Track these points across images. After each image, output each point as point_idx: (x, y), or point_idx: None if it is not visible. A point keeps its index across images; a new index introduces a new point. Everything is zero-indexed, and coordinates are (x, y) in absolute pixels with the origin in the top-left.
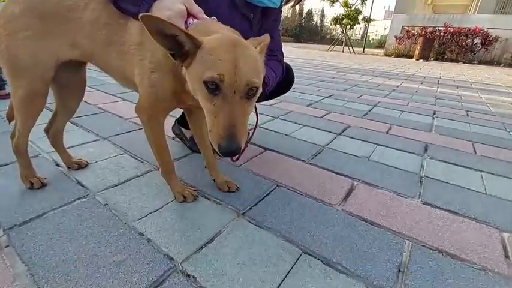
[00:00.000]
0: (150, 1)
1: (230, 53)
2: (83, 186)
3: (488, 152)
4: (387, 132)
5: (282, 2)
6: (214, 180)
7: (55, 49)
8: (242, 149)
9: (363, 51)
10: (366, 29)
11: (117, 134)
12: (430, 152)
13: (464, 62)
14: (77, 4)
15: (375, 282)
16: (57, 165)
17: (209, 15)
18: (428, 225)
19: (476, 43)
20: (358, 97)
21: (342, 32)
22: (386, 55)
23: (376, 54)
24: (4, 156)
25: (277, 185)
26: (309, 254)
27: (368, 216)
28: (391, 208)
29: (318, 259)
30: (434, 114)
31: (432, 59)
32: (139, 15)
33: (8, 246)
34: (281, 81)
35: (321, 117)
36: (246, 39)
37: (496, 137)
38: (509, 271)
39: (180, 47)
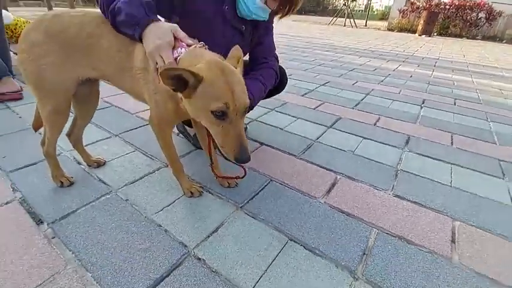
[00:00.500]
0: (142, 26)
1: (226, 83)
2: (105, 183)
3: (463, 144)
4: (374, 124)
5: (270, 14)
6: (216, 176)
7: (75, 71)
8: None
9: (365, 25)
10: None
11: (127, 131)
12: (411, 145)
13: (468, 37)
14: (93, 33)
15: (343, 263)
16: (78, 163)
17: (204, 31)
18: (394, 215)
19: (480, 17)
20: (353, 84)
21: (345, 4)
22: (389, 29)
23: (379, 29)
24: (29, 155)
25: (271, 180)
26: (294, 241)
27: (345, 208)
28: (365, 200)
29: (301, 245)
30: (423, 103)
31: (435, 33)
32: (159, 72)
33: (54, 237)
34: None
35: (314, 109)
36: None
37: (476, 127)
38: (452, 254)
39: (183, 82)
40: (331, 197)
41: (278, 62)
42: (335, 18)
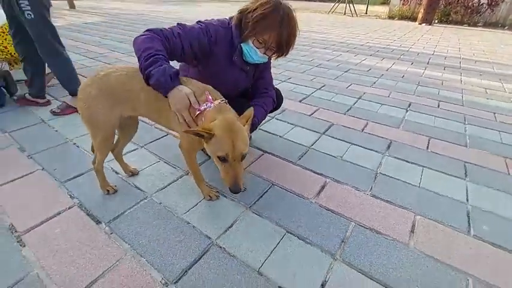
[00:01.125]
0: (168, 90)
1: (230, 138)
2: (140, 190)
3: (437, 148)
4: (362, 130)
5: (269, 57)
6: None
7: (119, 112)
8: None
9: (366, 12)
10: None
11: (150, 142)
12: (391, 150)
13: (469, 24)
14: (133, 88)
15: (326, 248)
16: (116, 172)
17: (219, 74)
18: (369, 211)
19: (482, 3)
20: (347, 87)
21: None
22: (389, 17)
23: (379, 16)
24: (75, 167)
25: (272, 184)
26: (290, 233)
27: (331, 206)
28: (347, 200)
29: (295, 236)
30: (409, 106)
31: (436, 21)
32: (185, 130)
33: (112, 233)
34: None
35: (310, 115)
36: (242, 86)
37: (452, 131)
38: (409, 241)
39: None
40: (321, 197)
41: (274, 90)
42: (336, 5)
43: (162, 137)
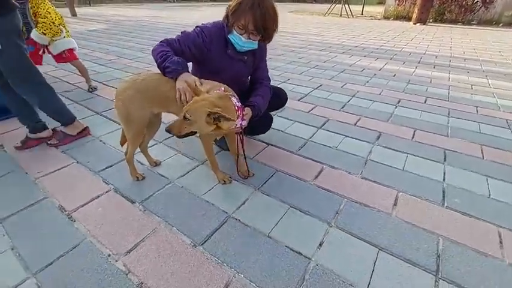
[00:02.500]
0: (178, 74)
1: (194, 101)
2: (164, 177)
3: (421, 138)
4: (355, 124)
5: (259, 42)
6: (238, 170)
7: (151, 109)
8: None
9: (362, 13)
10: None
11: (167, 138)
12: (380, 140)
13: (463, 23)
14: (164, 89)
15: (323, 218)
16: (142, 163)
17: (220, 68)
18: (359, 190)
19: (476, 1)
20: (342, 86)
21: None
22: (385, 17)
23: (375, 17)
24: (105, 159)
25: (276, 171)
26: (293, 208)
27: (327, 187)
28: (341, 181)
29: (297, 209)
30: (398, 102)
31: (431, 20)
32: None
33: (145, 210)
34: (275, 103)
35: (308, 112)
36: (244, 75)
37: (436, 123)
38: (392, 211)
39: None
40: (318, 180)
41: (270, 80)
42: (332, 7)
43: None
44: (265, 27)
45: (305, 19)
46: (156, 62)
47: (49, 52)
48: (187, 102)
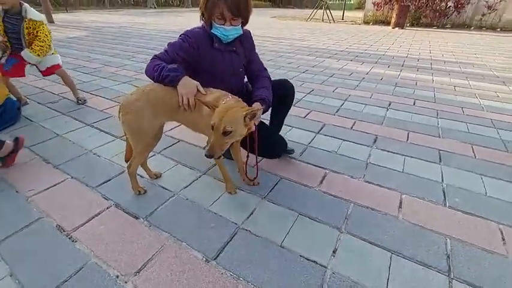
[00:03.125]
0: (178, 80)
1: (222, 113)
2: (167, 189)
3: (415, 140)
4: (351, 128)
5: (242, 28)
6: (244, 179)
7: (161, 120)
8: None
9: (342, 18)
10: None
11: (164, 149)
12: (377, 143)
13: (438, 27)
14: (175, 96)
15: (333, 224)
16: (141, 176)
17: (214, 65)
18: (364, 194)
19: (449, 6)
20: (333, 90)
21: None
22: (365, 22)
23: (355, 22)
24: (101, 173)
25: (281, 178)
26: (302, 215)
27: (333, 192)
28: (345, 186)
29: (306, 217)
30: (389, 105)
31: (408, 24)
32: (196, 98)
33: (151, 226)
34: (281, 96)
35: (304, 117)
36: (239, 65)
37: (427, 124)
38: (398, 214)
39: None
40: (323, 186)
41: (267, 70)
42: (314, 12)
43: (174, 144)
44: (239, 8)
45: (288, 24)
46: (154, 77)
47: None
48: (189, 106)
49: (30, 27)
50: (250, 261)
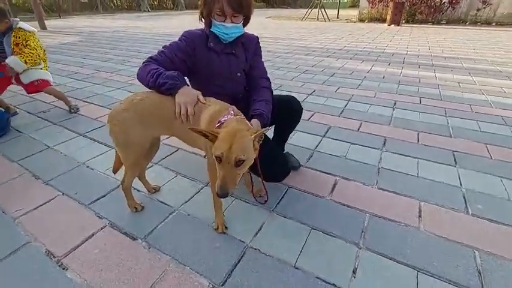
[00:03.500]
0: (177, 89)
1: (229, 140)
2: (166, 204)
3: (426, 140)
4: (358, 130)
5: (243, 28)
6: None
7: (152, 132)
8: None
9: (337, 17)
10: None
11: (162, 159)
12: (387, 146)
13: (433, 23)
14: (170, 107)
15: (349, 239)
16: (138, 190)
17: (209, 70)
18: (379, 203)
19: (444, 2)
20: (336, 90)
21: None
22: (360, 20)
23: (350, 20)
24: (95, 189)
25: (289, 187)
26: (315, 229)
27: (345, 202)
28: (358, 194)
29: (320, 231)
30: (395, 104)
31: (403, 21)
32: (191, 127)
33: (150, 247)
34: (289, 112)
35: (308, 120)
36: (236, 70)
37: (436, 124)
38: (419, 224)
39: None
40: (334, 195)
41: (269, 81)
42: (309, 11)
43: (173, 153)
44: (240, 3)
45: (283, 24)
46: (148, 83)
47: (18, 82)
48: (187, 117)
49: (19, 37)
50: (262, 286)
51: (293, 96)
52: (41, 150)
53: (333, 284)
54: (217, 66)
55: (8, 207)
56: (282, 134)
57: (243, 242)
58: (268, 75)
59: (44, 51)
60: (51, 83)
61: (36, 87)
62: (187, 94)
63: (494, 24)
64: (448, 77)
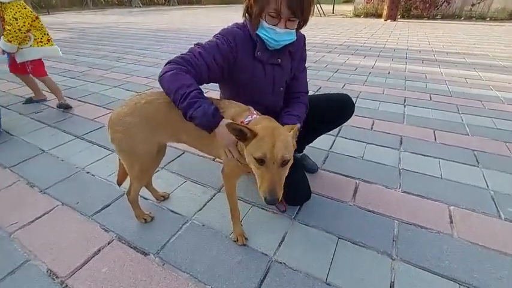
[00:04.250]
0: (213, 126)
1: (271, 139)
2: (178, 214)
3: (444, 139)
4: (371, 129)
5: (296, 35)
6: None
7: (159, 140)
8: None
9: (333, 12)
10: None
11: (169, 162)
12: (404, 145)
13: (428, 18)
14: (176, 116)
15: (381, 249)
16: (145, 198)
17: (250, 80)
18: (407, 207)
19: None
20: (342, 87)
21: None
22: (356, 15)
23: (346, 15)
24: (98, 198)
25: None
26: (342, 239)
27: (370, 207)
28: (383, 198)
29: (348, 241)
30: (405, 101)
31: (399, 16)
32: (226, 124)
33: (164, 264)
34: (342, 110)
35: None
36: (281, 83)
37: (452, 122)
38: (452, 231)
39: (244, 134)
40: (357, 199)
41: (308, 93)
42: None
43: (179, 156)
44: (302, 6)
45: None
46: (174, 102)
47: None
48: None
49: (2, 10)
50: None
51: (348, 96)
52: (36, 155)
53: None
54: (261, 79)
55: (1, 220)
56: (311, 136)
57: (266, 255)
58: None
59: (36, 19)
60: (58, 54)
61: (33, 72)
62: (225, 136)
63: (488, 19)
64: (453, 73)
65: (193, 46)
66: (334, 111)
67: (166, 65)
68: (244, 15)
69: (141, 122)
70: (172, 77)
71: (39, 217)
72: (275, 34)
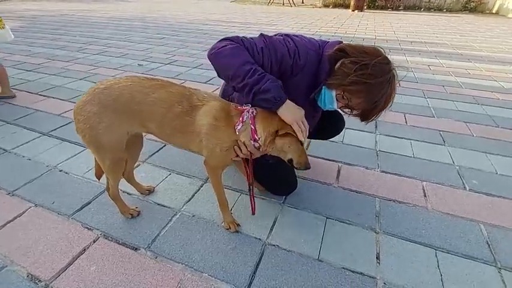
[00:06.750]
0: (283, 102)
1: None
2: (166, 206)
3: (414, 122)
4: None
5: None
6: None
7: (126, 129)
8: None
9: (302, 2)
10: None
11: (150, 156)
12: (379, 129)
13: (392, 9)
14: (143, 101)
15: (366, 225)
16: (129, 194)
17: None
18: (386, 186)
19: None
20: None
21: None
22: (324, 6)
23: (315, 5)
24: (76, 196)
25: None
26: (330, 218)
27: (354, 188)
28: (364, 179)
29: (335, 219)
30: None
31: (365, 7)
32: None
33: (157, 257)
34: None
35: None
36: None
37: (420, 106)
38: (426, 204)
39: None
40: (341, 181)
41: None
42: None
43: (160, 149)
44: (374, 115)
45: (250, 9)
46: (238, 77)
47: None
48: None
49: None
50: (291, 284)
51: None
52: None
53: (361, 273)
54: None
55: None
56: None
57: (259, 239)
58: None
59: None
60: None
61: None
62: (296, 110)
63: (445, 10)
64: (418, 60)
65: (258, 37)
66: (327, 133)
67: (220, 41)
68: (330, 57)
69: (103, 110)
70: (234, 51)
71: (11, 220)
72: (330, 103)
